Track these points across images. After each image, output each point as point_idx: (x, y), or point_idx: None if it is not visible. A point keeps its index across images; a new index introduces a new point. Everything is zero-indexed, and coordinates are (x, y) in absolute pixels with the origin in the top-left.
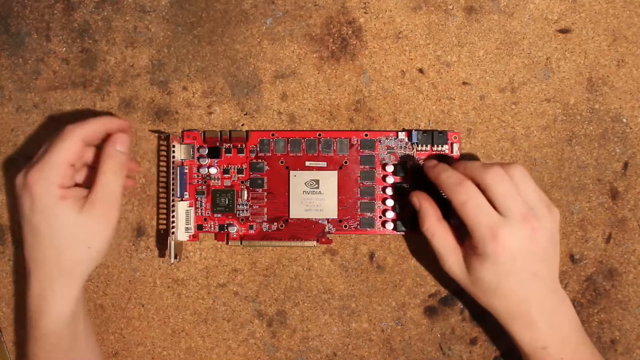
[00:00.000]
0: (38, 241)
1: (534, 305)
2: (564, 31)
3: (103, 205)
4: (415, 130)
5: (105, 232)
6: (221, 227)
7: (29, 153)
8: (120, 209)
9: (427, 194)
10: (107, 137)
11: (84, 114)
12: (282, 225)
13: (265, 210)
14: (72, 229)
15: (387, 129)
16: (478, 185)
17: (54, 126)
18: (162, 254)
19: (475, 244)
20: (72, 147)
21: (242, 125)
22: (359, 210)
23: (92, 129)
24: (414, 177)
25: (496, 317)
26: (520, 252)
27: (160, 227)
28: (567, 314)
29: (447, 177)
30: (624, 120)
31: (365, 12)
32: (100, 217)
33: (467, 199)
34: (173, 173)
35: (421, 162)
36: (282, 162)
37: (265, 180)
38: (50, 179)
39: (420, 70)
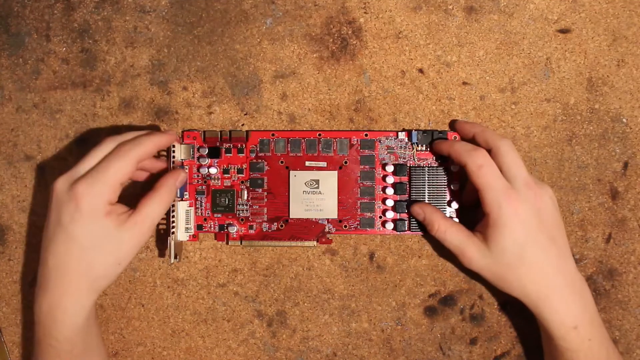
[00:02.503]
0: (70, 251)
1: (561, 277)
2: (564, 31)
3: (143, 228)
4: (415, 130)
5: (134, 252)
6: (221, 227)
7: (29, 153)
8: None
9: (426, 196)
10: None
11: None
12: (282, 225)
13: (265, 210)
14: (111, 245)
15: (387, 129)
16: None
17: (52, 125)
18: (162, 254)
19: (489, 211)
20: (126, 167)
21: (242, 125)
22: (359, 210)
23: (147, 150)
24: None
25: (524, 299)
26: (533, 216)
27: (160, 227)
28: (589, 292)
29: (463, 145)
30: (624, 120)
31: (365, 12)
32: (137, 238)
33: (484, 163)
34: None
35: (419, 162)
36: (282, 162)
37: (265, 180)
38: (101, 196)
39: (420, 70)
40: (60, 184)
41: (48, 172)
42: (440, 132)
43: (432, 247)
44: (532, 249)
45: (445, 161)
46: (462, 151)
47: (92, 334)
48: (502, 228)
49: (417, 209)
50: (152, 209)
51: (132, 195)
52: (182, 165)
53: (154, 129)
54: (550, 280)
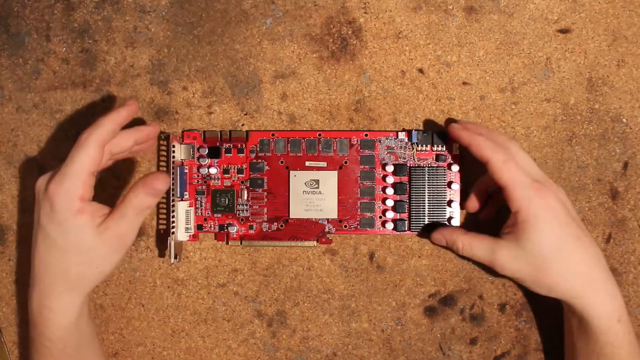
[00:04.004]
0: (49, 250)
1: (600, 268)
2: (564, 31)
3: (117, 233)
4: (415, 130)
5: (114, 258)
6: (221, 227)
7: (29, 153)
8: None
9: (426, 196)
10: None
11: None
12: (282, 225)
13: (265, 210)
14: (84, 247)
15: (387, 129)
16: None
17: (52, 125)
18: (162, 254)
19: (519, 206)
20: (90, 154)
21: (242, 125)
22: (359, 210)
23: (107, 130)
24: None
25: (565, 294)
26: (562, 207)
27: (160, 227)
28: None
29: (484, 140)
30: (624, 120)
31: (365, 12)
32: (112, 244)
33: (509, 158)
34: (173, 173)
35: (418, 163)
36: (282, 162)
37: (265, 180)
38: (70, 191)
39: (420, 70)
40: (39, 185)
41: (48, 172)
42: (440, 132)
43: (432, 247)
44: (568, 240)
45: (444, 160)
46: (485, 146)
47: (85, 334)
48: (537, 221)
49: (437, 236)
50: (127, 215)
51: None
52: (182, 165)
53: None
54: (589, 272)
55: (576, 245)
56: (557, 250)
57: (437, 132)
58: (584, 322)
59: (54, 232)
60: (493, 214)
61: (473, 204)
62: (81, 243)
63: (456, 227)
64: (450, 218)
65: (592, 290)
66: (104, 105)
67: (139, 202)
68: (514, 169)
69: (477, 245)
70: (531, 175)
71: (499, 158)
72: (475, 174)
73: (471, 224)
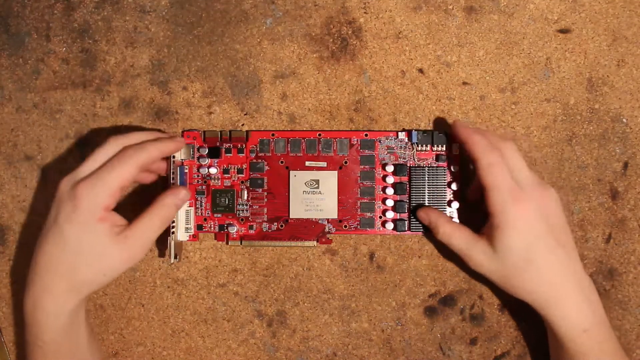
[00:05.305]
0: (59, 251)
1: (571, 280)
2: (564, 31)
3: (135, 244)
4: (415, 130)
5: (123, 267)
6: (221, 227)
7: (29, 153)
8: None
9: (426, 196)
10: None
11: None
12: (282, 225)
13: (265, 210)
14: (97, 254)
15: (387, 129)
16: None
17: (52, 125)
18: (162, 254)
19: (494, 211)
20: (128, 173)
21: (242, 125)
22: (359, 210)
23: (151, 156)
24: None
25: (533, 303)
26: (539, 218)
27: None
28: (596, 294)
29: (480, 140)
30: (624, 120)
31: (365, 12)
32: (126, 254)
33: (496, 162)
34: (173, 173)
35: (417, 161)
36: (282, 162)
37: (265, 180)
38: (98, 198)
39: (420, 70)
40: (64, 184)
41: (48, 172)
42: (440, 132)
43: (432, 247)
44: (539, 251)
45: (445, 160)
46: (478, 146)
47: (80, 336)
48: (508, 230)
49: (422, 214)
50: (147, 227)
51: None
52: (182, 165)
53: (154, 129)
54: (559, 284)
55: (546, 256)
56: (525, 261)
57: (437, 132)
58: (552, 331)
59: (70, 233)
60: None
61: (472, 195)
62: (95, 249)
63: (443, 212)
64: (455, 222)
65: (555, 301)
66: (104, 104)
67: (166, 211)
68: (497, 173)
69: (457, 236)
70: (518, 180)
71: (486, 160)
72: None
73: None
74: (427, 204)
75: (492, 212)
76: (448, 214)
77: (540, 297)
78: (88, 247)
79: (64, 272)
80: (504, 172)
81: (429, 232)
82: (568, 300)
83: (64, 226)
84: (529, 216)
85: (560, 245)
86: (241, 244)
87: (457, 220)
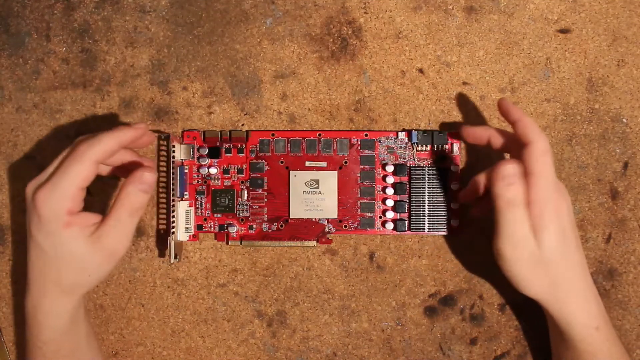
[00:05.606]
0: (39, 257)
1: (582, 279)
2: (564, 31)
3: (111, 242)
4: (415, 130)
5: (108, 266)
6: (221, 227)
7: (29, 153)
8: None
9: (426, 196)
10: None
11: (86, 115)
12: (282, 225)
13: (265, 210)
14: (76, 258)
15: (387, 129)
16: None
17: (52, 125)
18: (162, 254)
19: (539, 199)
20: (84, 172)
21: (242, 125)
22: (359, 210)
23: (106, 149)
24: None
25: (543, 300)
26: (566, 217)
27: (160, 227)
28: (598, 294)
29: (534, 122)
30: (624, 120)
31: (365, 12)
32: (105, 252)
33: (549, 150)
34: (173, 173)
35: (420, 162)
36: (282, 162)
37: (265, 180)
38: (58, 204)
39: (420, 70)
40: (28, 191)
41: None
42: (440, 132)
43: (432, 247)
44: (557, 249)
45: (444, 160)
46: (534, 128)
47: (80, 336)
48: (544, 223)
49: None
50: (118, 221)
51: None
52: (182, 165)
53: (153, 129)
54: (573, 282)
55: (565, 255)
56: (544, 257)
57: (437, 132)
58: (562, 330)
59: (44, 243)
60: (486, 212)
61: (465, 195)
62: (72, 254)
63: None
64: (450, 218)
65: (569, 299)
66: (104, 104)
67: (132, 201)
68: (549, 162)
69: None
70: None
71: (542, 145)
72: (475, 174)
73: (469, 222)
74: (427, 204)
75: (534, 200)
76: (447, 214)
77: (553, 295)
78: (65, 254)
79: (53, 277)
80: (552, 162)
81: (428, 232)
82: (580, 298)
83: (37, 236)
84: (562, 214)
85: (574, 244)
86: (241, 244)
87: (457, 221)
